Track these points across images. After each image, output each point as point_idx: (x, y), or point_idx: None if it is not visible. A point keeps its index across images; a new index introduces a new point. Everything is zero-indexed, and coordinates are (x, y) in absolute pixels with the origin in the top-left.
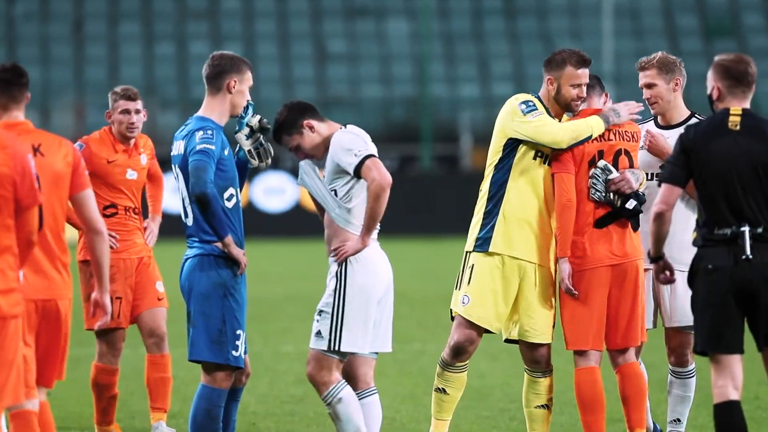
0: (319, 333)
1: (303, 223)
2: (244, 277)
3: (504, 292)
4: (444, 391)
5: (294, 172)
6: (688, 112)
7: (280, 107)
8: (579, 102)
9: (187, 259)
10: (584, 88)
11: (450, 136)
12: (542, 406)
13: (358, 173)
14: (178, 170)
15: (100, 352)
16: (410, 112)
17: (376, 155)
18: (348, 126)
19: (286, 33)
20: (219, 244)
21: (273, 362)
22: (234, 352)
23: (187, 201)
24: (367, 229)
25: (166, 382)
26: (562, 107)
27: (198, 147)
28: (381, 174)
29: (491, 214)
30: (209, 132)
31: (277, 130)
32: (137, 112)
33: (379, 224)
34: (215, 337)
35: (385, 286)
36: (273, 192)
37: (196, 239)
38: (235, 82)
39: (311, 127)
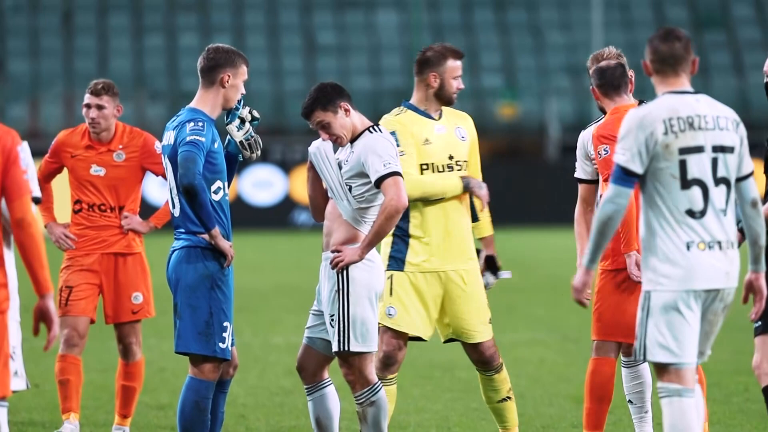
0: (334, 337)
1: (291, 216)
2: (231, 269)
3: (429, 300)
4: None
5: (283, 166)
6: None
7: (269, 99)
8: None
9: (174, 251)
10: (460, 80)
11: None
12: (504, 399)
13: (378, 184)
14: (167, 161)
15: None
16: (399, 104)
17: (401, 172)
18: (382, 128)
19: (276, 24)
20: (206, 236)
21: (263, 353)
22: (221, 344)
23: (174, 192)
24: (369, 244)
25: (131, 391)
26: (444, 102)
27: (188, 138)
28: (399, 196)
29: (399, 233)
30: (200, 124)
31: (312, 103)
32: (99, 107)
33: None
34: (202, 329)
35: (382, 284)
36: (261, 185)
37: (183, 231)
38: (229, 76)
39: (347, 110)
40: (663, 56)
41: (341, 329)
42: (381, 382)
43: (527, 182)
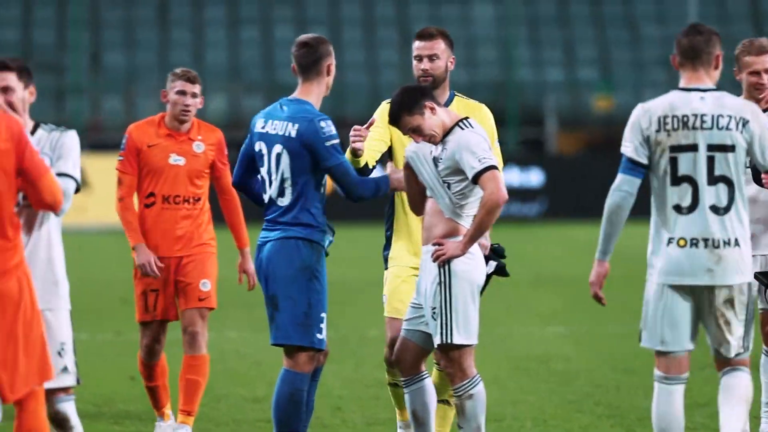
0: (436, 330)
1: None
2: (324, 260)
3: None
4: (396, 385)
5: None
6: None
7: (364, 92)
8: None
9: (266, 242)
10: (425, 61)
11: (535, 120)
12: (444, 401)
13: (476, 180)
14: (282, 149)
15: (140, 344)
16: (496, 96)
17: (497, 166)
18: (471, 122)
19: (372, 17)
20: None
21: (358, 346)
22: (318, 335)
23: (289, 182)
24: (471, 239)
25: (197, 385)
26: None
27: (327, 143)
28: (499, 189)
29: (388, 233)
30: (328, 122)
31: (398, 110)
32: (194, 95)
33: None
34: (301, 320)
35: (483, 277)
36: None
37: (285, 221)
38: (330, 64)
39: (432, 109)
40: (683, 49)
41: (444, 322)
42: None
43: None
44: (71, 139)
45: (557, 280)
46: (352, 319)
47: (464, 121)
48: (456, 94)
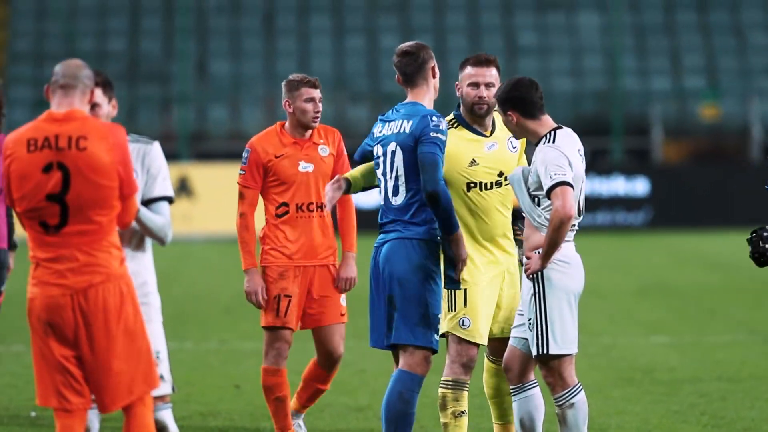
0: (533, 341)
1: None
2: (440, 260)
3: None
4: (463, 413)
5: None
6: None
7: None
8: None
9: (383, 243)
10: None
11: (641, 129)
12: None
13: (548, 195)
14: (396, 146)
15: (264, 352)
16: (601, 105)
17: (570, 182)
18: (558, 135)
19: (477, 26)
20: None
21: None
22: (435, 336)
23: (402, 180)
24: (545, 255)
25: (322, 393)
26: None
27: (432, 134)
28: (564, 205)
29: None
30: (441, 119)
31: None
32: (320, 100)
33: (577, 224)
34: (419, 320)
35: (580, 285)
36: None
37: (401, 221)
38: (435, 67)
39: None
40: None
41: (539, 333)
42: (466, 386)
43: (730, 183)
44: (158, 152)
45: (662, 290)
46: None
47: (549, 133)
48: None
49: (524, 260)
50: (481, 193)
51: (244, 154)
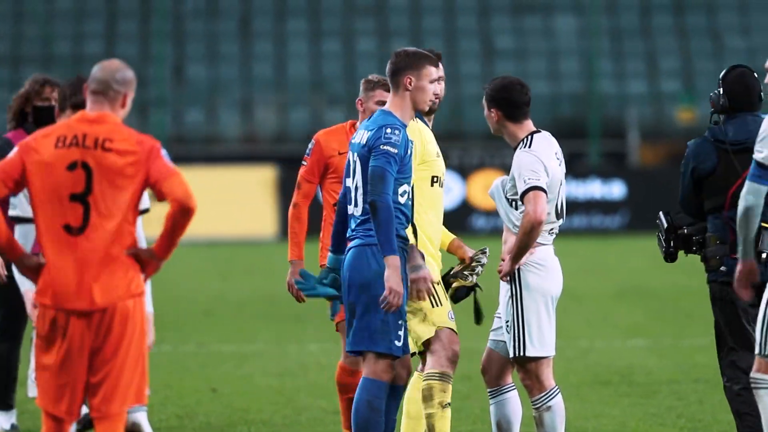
0: (510, 343)
1: (469, 220)
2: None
3: None
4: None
5: (461, 170)
6: None
7: (446, 104)
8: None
9: (348, 250)
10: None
11: (618, 132)
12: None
13: (521, 199)
14: (356, 157)
15: (344, 350)
16: (578, 108)
17: (543, 187)
18: (535, 140)
19: (454, 29)
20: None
21: None
22: (396, 342)
23: (360, 191)
24: (515, 258)
25: None
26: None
27: (382, 147)
28: (535, 210)
29: None
30: (396, 132)
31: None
32: None
33: (557, 228)
34: (377, 326)
35: (558, 288)
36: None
37: (361, 229)
38: (411, 79)
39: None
40: None
41: (516, 335)
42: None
43: None
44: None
45: (639, 293)
46: None
47: (525, 138)
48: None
49: (500, 263)
50: (442, 188)
51: (309, 146)
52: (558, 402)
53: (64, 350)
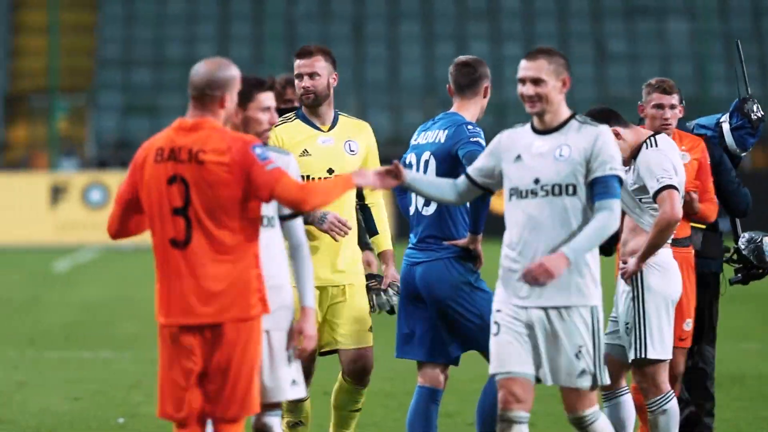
0: (630, 345)
1: None
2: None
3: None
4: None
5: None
6: None
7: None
8: None
9: (417, 263)
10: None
11: None
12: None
13: (654, 198)
14: (430, 156)
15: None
16: (691, 112)
17: (676, 186)
18: (659, 140)
19: (567, 33)
20: (459, 242)
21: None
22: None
23: None
24: (643, 257)
25: None
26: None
27: (471, 138)
28: (672, 209)
29: None
30: (477, 129)
31: None
32: (672, 107)
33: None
34: (478, 328)
35: (677, 291)
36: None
37: (433, 240)
38: (488, 86)
39: (617, 134)
40: None
41: (637, 337)
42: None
43: None
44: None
45: (751, 296)
46: None
47: (649, 139)
48: (339, 113)
49: (620, 265)
50: None
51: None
52: (673, 406)
53: (183, 364)
